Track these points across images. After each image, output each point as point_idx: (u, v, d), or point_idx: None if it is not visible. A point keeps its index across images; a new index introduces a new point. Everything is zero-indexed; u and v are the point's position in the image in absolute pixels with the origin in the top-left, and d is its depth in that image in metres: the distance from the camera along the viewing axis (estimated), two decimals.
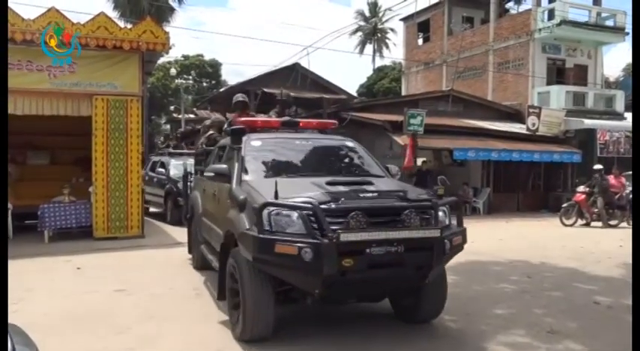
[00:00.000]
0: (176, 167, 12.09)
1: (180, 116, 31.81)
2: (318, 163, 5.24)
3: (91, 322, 4.71)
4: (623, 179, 13.82)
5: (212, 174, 4.97)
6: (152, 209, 13.28)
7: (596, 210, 13.17)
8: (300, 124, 5.90)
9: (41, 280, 6.30)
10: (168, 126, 39.63)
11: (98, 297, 5.57)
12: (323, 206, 3.77)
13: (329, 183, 4.26)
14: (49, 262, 7.43)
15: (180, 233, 9.60)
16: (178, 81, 39.38)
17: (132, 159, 9.23)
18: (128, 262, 7.46)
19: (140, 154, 9.46)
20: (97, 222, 9.08)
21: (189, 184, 7.93)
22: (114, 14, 29.63)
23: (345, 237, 3.60)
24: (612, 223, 12.93)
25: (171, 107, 37.14)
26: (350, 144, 5.65)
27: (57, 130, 10.09)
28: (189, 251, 7.35)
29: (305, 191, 4.03)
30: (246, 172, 4.74)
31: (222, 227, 4.79)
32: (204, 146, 7.41)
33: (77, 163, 10.67)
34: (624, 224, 12.76)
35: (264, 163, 5.02)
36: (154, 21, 9.85)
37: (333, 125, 6.25)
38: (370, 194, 4.12)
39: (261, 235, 3.71)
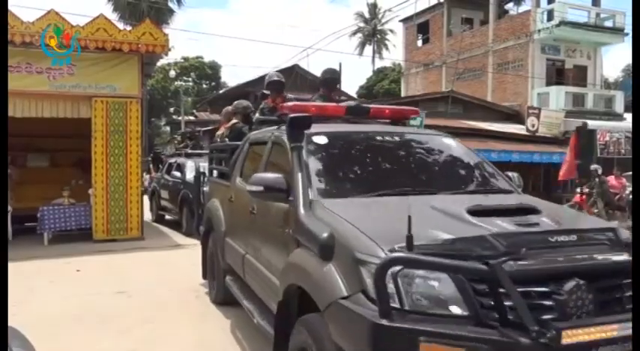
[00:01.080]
0: (193, 170, 10.23)
1: (180, 118, 31.83)
2: (421, 171, 3.58)
3: (91, 325, 4.70)
4: (624, 180, 13.82)
5: (260, 188, 3.16)
6: (168, 217, 11.98)
7: (596, 211, 13.15)
8: (371, 112, 4.23)
9: (40, 283, 6.29)
10: (168, 128, 39.68)
11: (98, 299, 5.55)
12: (507, 266, 2.06)
13: (473, 212, 2.56)
14: (49, 264, 7.42)
15: (185, 239, 9.62)
16: (178, 83, 39.46)
17: (131, 161, 9.22)
18: (128, 264, 7.44)
19: (139, 157, 9.44)
20: (97, 224, 9.06)
21: (202, 188, 6.48)
22: (113, 16, 29.78)
23: (571, 335, 1.94)
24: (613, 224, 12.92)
25: (171, 109, 37.21)
26: (450, 141, 4.04)
27: (56, 133, 10.08)
28: (204, 276, 5.84)
29: (438, 227, 2.39)
30: (314, 186, 3.10)
31: (280, 275, 3.05)
32: (226, 140, 5.77)
33: (77, 165, 10.66)
34: (624, 225, 12.76)
35: (340, 171, 3.40)
36: (154, 23, 9.84)
37: (416, 114, 4.62)
38: (565, 237, 2.32)
39: (386, 322, 1.97)
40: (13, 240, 9.00)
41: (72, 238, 9.14)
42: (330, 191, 3.14)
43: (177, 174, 11.36)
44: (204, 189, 6.29)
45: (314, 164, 3.31)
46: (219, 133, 6.56)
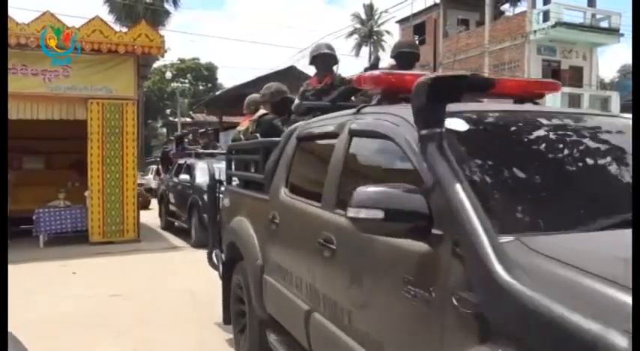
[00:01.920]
0: (204, 172, 8.87)
1: (176, 120, 31.80)
2: (619, 180, 2.03)
3: (88, 327, 4.68)
4: None
5: (377, 214, 1.70)
6: (178, 223, 10.91)
7: None
8: (497, 84, 2.54)
9: (36, 285, 6.26)
10: (164, 129, 39.68)
11: (94, 301, 5.53)
12: None
13: None
14: (45, 266, 7.39)
15: (182, 241, 9.56)
16: (174, 84, 39.46)
17: (127, 163, 9.20)
18: (124, 267, 7.42)
19: (135, 158, 9.42)
20: (93, 226, 9.03)
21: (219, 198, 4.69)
22: (109, 18, 29.74)
23: None
24: None
25: (168, 111, 37.21)
26: None
27: (52, 135, 10.05)
28: (226, 320, 4.17)
29: None
30: (484, 209, 1.61)
31: None
32: (257, 136, 4.29)
33: (73, 167, 10.63)
34: None
35: (514, 182, 1.89)
36: (149, 24, 9.84)
37: (556, 89, 3.16)
38: None
39: None
40: (9, 242, 8.95)
41: (68, 241, 9.11)
42: (521, 221, 1.70)
43: (186, 177, 10.12)
44: (225, 202, 4.40)
45: (471, 168, 1.84)
46: (241, 128, 5.27)
